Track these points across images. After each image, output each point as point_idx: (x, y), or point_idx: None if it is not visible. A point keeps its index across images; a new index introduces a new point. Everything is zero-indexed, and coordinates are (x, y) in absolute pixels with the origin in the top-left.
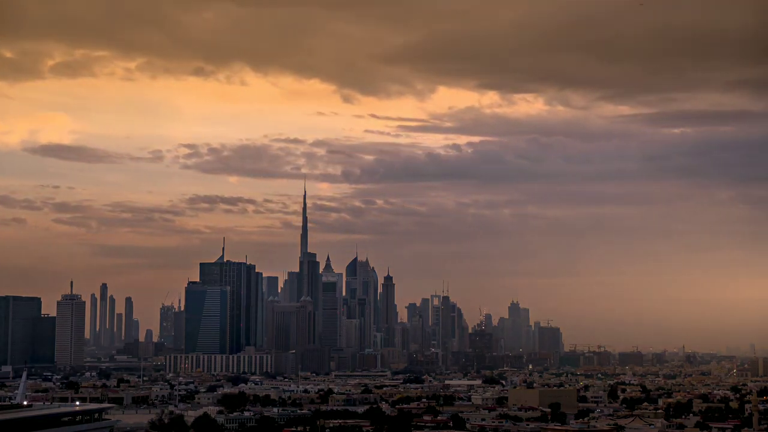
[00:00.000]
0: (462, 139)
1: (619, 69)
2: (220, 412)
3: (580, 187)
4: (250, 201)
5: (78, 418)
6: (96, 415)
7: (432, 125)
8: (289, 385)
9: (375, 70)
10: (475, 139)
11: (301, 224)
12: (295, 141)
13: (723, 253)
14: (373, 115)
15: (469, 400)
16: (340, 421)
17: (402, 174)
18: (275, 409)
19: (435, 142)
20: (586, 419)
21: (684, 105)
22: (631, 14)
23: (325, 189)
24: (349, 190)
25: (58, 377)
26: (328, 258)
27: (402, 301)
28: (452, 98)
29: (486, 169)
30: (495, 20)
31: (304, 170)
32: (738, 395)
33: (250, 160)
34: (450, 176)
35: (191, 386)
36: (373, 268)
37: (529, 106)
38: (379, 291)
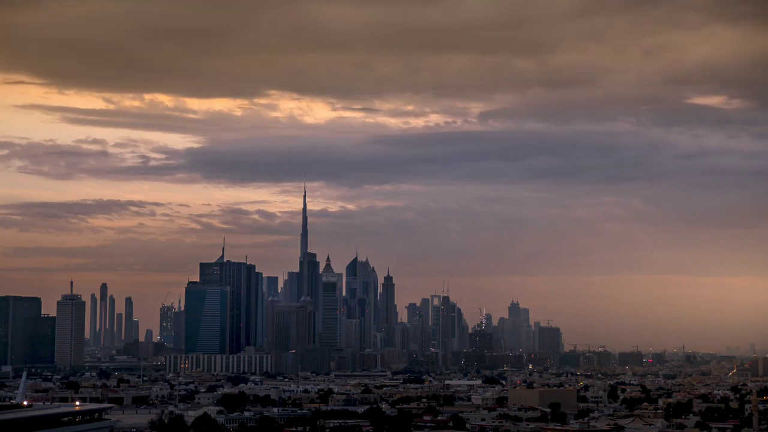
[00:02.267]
0: (301, 141)
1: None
2: (220, 412)
3: (460, 188)
4: (156, 204)
5: (78, 418)
6: (96, 415)
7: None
8: (289, 385)
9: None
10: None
11: (300, 225)
12: (108, 143)
13: (659, 253)
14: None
15: (469, 400)
16: (340, 421)
17: (290, 174)
18: (275, 409)
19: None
20: (586, 419)
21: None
22: None
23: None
24: (249, 193)
25: (58, 377)
26: (328, 258)
27: (402, 301)
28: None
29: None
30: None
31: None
32: (738, 395)
33: (83, 161)
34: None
35: (191, 386)
36: (373, 268)
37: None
38: (379, 291)
